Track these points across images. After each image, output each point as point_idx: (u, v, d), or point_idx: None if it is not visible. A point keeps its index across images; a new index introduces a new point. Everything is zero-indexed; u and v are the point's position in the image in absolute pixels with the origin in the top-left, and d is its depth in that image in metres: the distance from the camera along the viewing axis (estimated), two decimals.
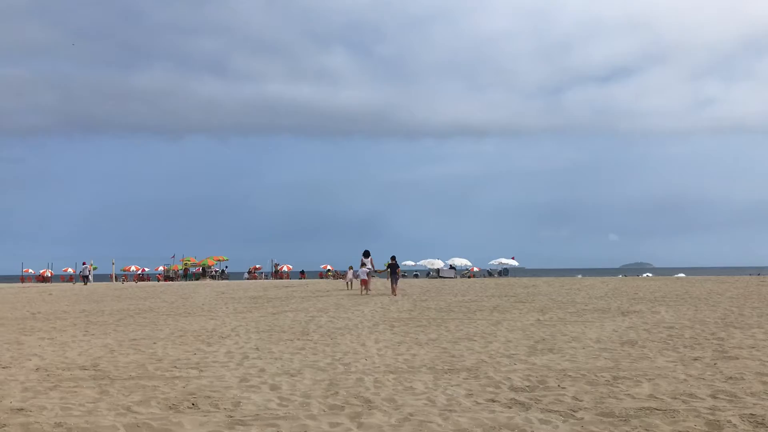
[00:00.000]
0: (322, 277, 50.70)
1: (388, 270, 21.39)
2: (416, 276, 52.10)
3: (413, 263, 54.82)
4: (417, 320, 12.42)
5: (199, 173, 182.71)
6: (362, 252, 23.28)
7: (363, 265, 22.38)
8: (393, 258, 21.45)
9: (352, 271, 24.38)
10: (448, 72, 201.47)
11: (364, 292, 21.43)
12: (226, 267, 54.38)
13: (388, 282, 22.07)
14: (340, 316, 13.57)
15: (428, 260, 50.59)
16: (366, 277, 21.51)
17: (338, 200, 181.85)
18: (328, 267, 53.91)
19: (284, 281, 40.85)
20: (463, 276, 47.73)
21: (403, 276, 50.82)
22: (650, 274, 52.86)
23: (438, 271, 47.63)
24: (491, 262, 52.35)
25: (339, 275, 48.23)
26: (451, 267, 48.88)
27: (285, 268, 55.52)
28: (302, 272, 54.25)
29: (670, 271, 60.52)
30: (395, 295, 20.25)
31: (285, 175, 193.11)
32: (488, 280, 33.56)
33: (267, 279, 51.95)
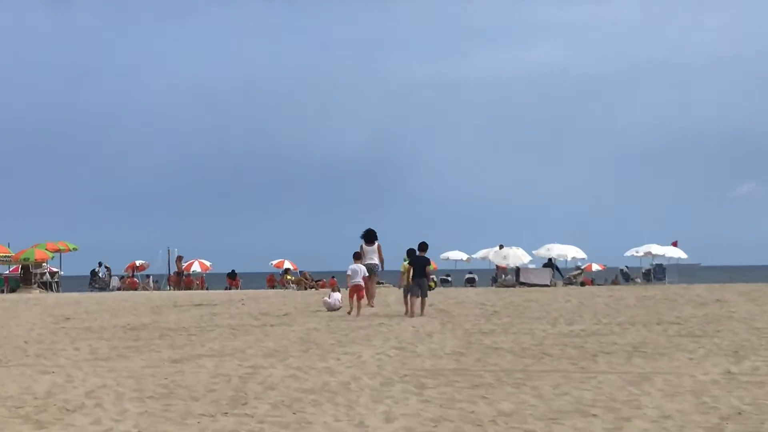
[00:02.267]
0: (273, 285, 52.18)
1: (408, 272, 22.12)
2: (471, 282, 53.18)
3: (464, 256, 55.12)
4: (472, 373, 12.64)
5: (5, 61, 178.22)
6: (361, 234, 24.43)
7: (359, 258, 23.08)
8: (422, 247, 22.34)
9: (335, 295, 24.88)
10: None
11: (357, 310, 22.21)
12: (101, 264, 56.13)
13: (404, 292, 22.83)
14: (312, 365, 13.63)
15: (494, 250, 50.86)
16: (360, 280, 22.43)
17: (306, 121, 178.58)
18: (287, 265, 55.37)
19: (195, 293, 41.56)
20: (569, 282, 48.26)
21: (444, 281, 50.81)
22: None
23: (516, 272, 48.03)
24: (629, 253, 52.67)
25: (308, 281, 48.91)
26: (548, 263, 49.17)
27: (196, 267, 56.96)
28: (232, 275, 55.73)
29: None
30: (421, 315, 21.36)
31: (189, 68, 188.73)
32: (623, 290, 33.40)
33: (159, 289, 52.83)
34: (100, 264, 56.54)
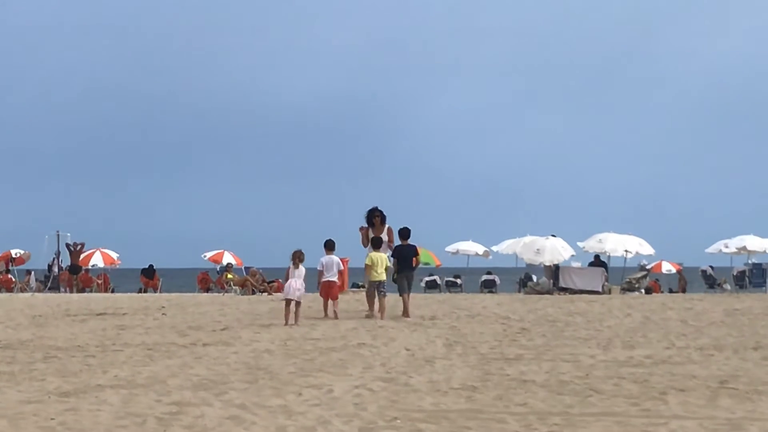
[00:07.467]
0: (207, 288, 50.07)
1: (395, 265, 22.33)
2: (489, 286, 50.58)
3: (480, 250, 52.70)
4: (490, 416, 11.28)
5: None
6: (367, 213, 22.84)
7: (331, 247, 22.15)
8: (405, 233, 22.42)
9: (295, 283, 22.94)
10: None
11: (326, 311, 21.95)
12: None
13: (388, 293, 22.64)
14: (262, 402, 12.21)
15: (523, 241, 46.81)
16: (334, 276, 21.71)
17: (249, 54, 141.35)
18: (227, 259, 52.06)
19: (96, 297, 38.69)
20: (630, 288, 44.07)
21: (451, 285, 47.97)
22: None
23: (555, 273, 43.92)
24: (715, 248, 48.80)
25: (257, 282, 45.64)
26: (596, 261, 45.47)
27: (97, 261, 53.05)
28: (149, 272, 52.84)
29: None
30: (407, 316, 22.03)
31: None
32: (706, 301, 31.61)
33: (45, 290, 49.92)
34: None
